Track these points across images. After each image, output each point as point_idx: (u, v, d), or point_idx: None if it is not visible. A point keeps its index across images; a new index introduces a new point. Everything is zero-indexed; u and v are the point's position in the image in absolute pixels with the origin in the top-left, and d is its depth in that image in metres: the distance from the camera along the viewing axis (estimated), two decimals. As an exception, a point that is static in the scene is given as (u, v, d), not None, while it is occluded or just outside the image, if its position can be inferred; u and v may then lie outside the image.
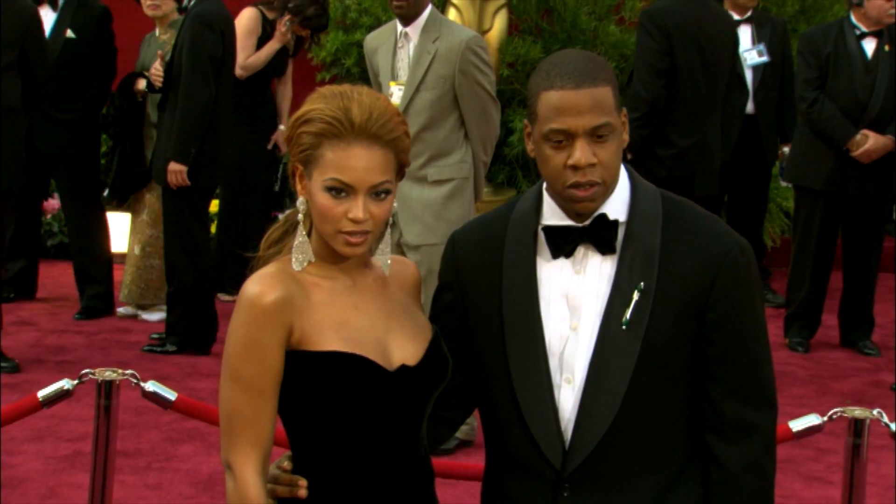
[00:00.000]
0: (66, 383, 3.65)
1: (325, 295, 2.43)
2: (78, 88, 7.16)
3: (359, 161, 2.36)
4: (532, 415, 2.48)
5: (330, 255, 2.46)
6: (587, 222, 2.49)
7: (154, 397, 3.67)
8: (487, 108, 5.43)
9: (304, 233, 2.46)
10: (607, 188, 2.46)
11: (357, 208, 2.37)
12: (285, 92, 8.08)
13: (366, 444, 2.42)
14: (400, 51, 5.46)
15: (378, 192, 2.39)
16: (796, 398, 6.29)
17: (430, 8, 5.45)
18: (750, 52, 7.81)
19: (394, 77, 5.45)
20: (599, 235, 2.48)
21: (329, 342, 2.39)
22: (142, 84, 7.12)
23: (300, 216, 2.47)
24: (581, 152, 2.41)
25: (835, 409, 3.83)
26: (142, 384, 3.67)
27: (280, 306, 2.36)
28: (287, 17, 7.71)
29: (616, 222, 2.49)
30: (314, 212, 2.42)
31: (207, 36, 6.53)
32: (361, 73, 8.42)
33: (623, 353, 2.45)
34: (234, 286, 7.65)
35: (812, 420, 3.79)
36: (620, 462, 2.47)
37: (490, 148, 5.54)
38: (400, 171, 2.45)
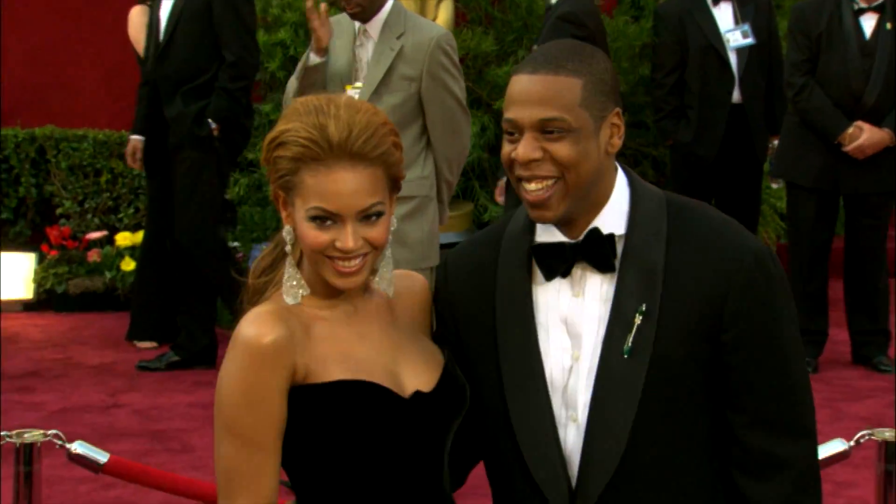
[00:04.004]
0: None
1: (326, 326, 2.44)
2: None
3: (342, 185, 2.36)
4: (534, 458, 2.47)
5: (326, 284, 2.46)
6: (580, 238, 2.48)
7: (82, 460, 3.62)
8: (456, 121, 5.32)
9: (293, 264, 2.47)
10: (569, 188, 2.43)
11: (345, 236, 2.38)
12: None
13: (385, 484, 2.42)
14: (359, 50, 5.33)
15: (369, 216, 2.39)
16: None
17: (391, 1, 5.30)
18: (733, 34, 7.67)
19: (351, 81, 5.29)
20: (594, 252, 2.47)
21: (333, 374, 2.39)
22: None
23: (287, 246, 2.47)
24: (523, 146, 2.42)
25: (862, 432, 3.78)
26: (67, 445, 3.62)
27: (280, 347, 2.35)
28: None
29: (612, 237, 2.48)
30: (301, 243, 2.43)
31: None
32: (287, 77, 8.37)
33: (625, 385, 2.43)
34: (157, 333, 7.60)
35: (837, 446, 3.71)
36: None
37: (457, 167, 5.43)
38: (394, 186, 2.45)
